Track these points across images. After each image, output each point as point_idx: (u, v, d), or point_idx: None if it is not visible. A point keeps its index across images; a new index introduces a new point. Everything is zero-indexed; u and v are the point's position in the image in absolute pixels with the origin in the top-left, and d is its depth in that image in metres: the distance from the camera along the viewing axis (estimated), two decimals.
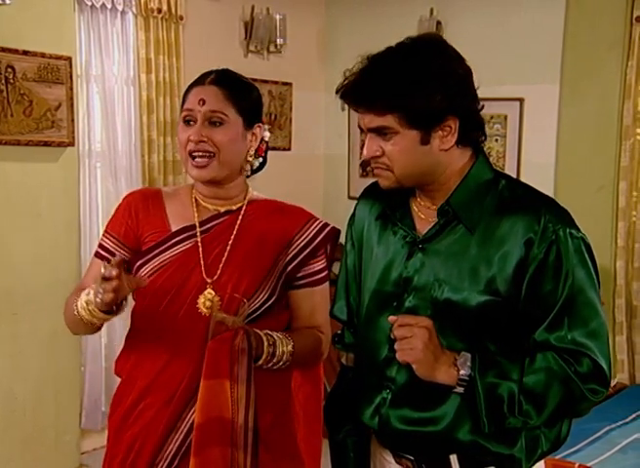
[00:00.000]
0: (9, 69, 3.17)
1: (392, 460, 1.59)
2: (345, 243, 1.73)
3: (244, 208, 1.76)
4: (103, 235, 1.80)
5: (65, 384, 3.57)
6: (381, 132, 1.44)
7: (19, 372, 3.38)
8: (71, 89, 3.39)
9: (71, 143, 3.44)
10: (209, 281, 1.68)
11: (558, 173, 3.98)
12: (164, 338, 1.69)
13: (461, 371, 1.41)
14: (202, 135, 1.65)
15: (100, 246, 1.79)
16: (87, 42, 3.58)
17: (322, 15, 4.77)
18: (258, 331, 1.63)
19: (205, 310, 1.66)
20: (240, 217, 1.74)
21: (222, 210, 1.75)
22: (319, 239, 1.76)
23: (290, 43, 4.39)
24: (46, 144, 3.33)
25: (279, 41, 4.31)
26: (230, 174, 1.72)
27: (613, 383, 3.71)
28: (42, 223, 3.41)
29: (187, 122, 1.68)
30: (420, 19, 4.22)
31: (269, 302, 1.71)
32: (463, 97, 1.44)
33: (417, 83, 1.39)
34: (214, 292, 1.67)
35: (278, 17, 4.27)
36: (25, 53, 3.22)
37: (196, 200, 1.76)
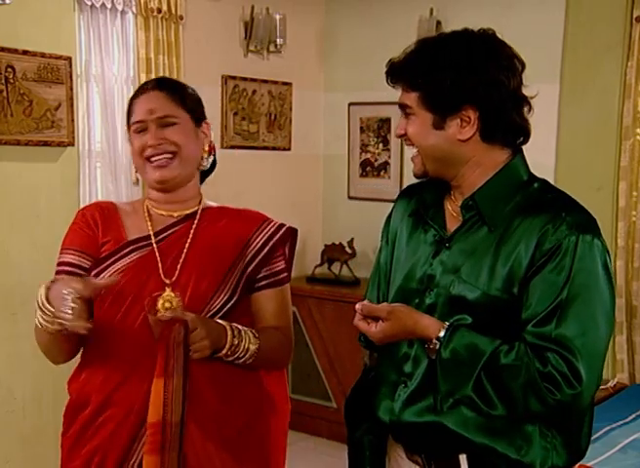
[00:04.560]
0: (9, 69, 3.17)
1: (404, 456, 1.61)
2: (381, 239, 1.75)
3: (198, 214, 1.76)
4: (63, 251, 1.76)
5: (64, 384, 3.56)
6: (404, 110, 1.51)
7: (17, 373, 3.37)
8: (71, 89, 3.40)
9: (71, 143, 3.44)
10: (167, 282, 1.67)
11: (558, 173, 3.98)
12: (124, 346, 1.66)
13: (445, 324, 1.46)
14: (160, 137, 1.68)
15: (63, 263, 1.74)
16: (87, 42, 3.57)
17: (322, 15, 4.77)
18: (221, 321, 1.63)
19: (163, 312, 1.59)
20: (195, 223, 1.75)
21: (176, 214, 1.75)
22: (276, 238, 1.77)
23: (289, 43, 4.38)
24: (46, 144, 3.33)
25: (279, 41, 4.30)
26: (188, 173, 1.74)
27: (612, 383, 3.71)
28: (41, 223, 3.41)
29: (139, 131, 1.70)
30: (420, 18, 4.21)
31: (229, 304, 1.71)
32: (489, 92, 1.44)
33: (437, 67, 1.44)
34: (172, 293, 1.65)
35: (278, 16, 4.26)
36: (25, 52, 3.22)
37: (148, 210, 1.76)
